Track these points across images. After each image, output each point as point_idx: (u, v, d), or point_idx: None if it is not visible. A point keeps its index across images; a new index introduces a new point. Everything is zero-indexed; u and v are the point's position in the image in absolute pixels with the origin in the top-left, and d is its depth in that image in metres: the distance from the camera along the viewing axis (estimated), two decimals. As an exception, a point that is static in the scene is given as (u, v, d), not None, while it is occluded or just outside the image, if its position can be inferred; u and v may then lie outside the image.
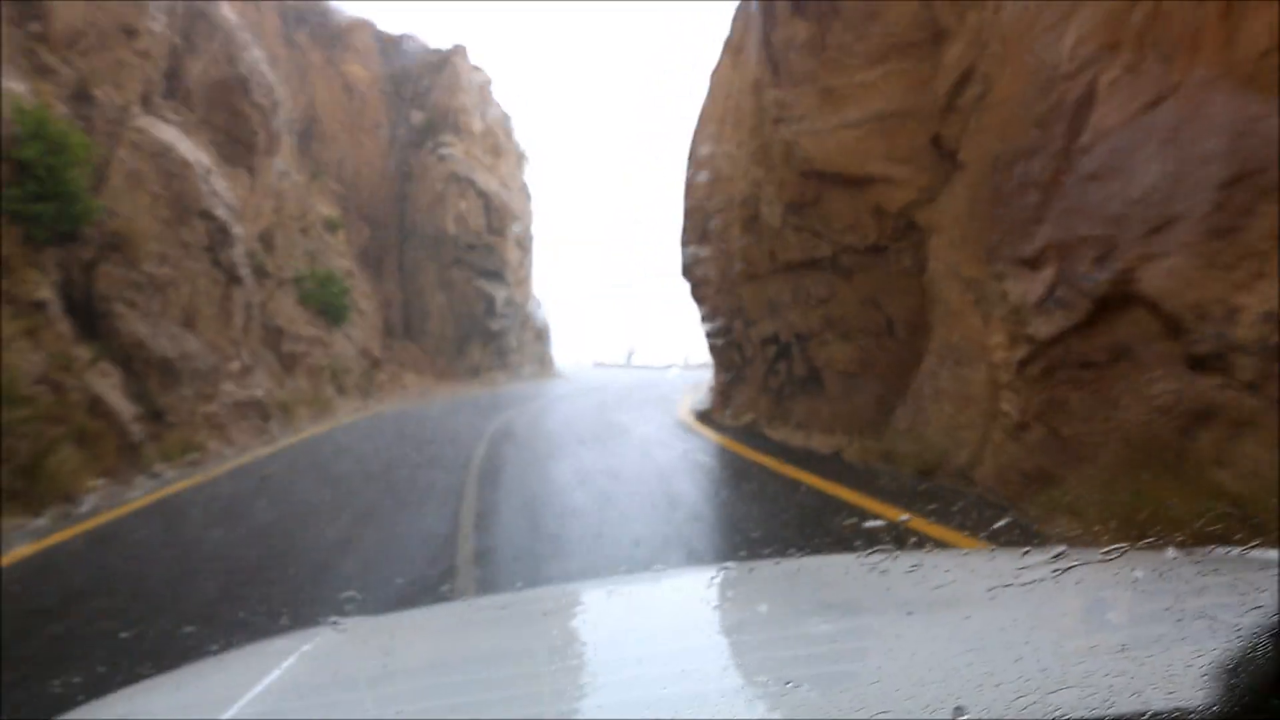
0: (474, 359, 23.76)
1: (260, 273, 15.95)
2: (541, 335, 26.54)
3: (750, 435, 9.99)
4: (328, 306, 16.71)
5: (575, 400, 17.76)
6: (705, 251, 11.84)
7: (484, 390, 21.55)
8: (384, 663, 1.32)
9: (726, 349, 11.66)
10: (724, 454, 8.93)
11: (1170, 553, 1.27)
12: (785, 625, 1.28)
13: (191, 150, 12.45)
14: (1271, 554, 1.22)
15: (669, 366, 28.73)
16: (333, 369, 17.33)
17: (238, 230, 12.92)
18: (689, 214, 12.39)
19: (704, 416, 11.94)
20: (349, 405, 17.40)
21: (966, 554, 2.12)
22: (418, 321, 24.17)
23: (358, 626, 1.58)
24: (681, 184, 12.59)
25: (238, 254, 12.56)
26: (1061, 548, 1.23)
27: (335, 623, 1.50)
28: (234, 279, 12.22)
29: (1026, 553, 1.27)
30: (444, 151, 24.59)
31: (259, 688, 1.20)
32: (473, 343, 23.94)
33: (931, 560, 1.60)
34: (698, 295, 12.38)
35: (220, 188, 12.90)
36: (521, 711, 0.97)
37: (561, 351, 28.41)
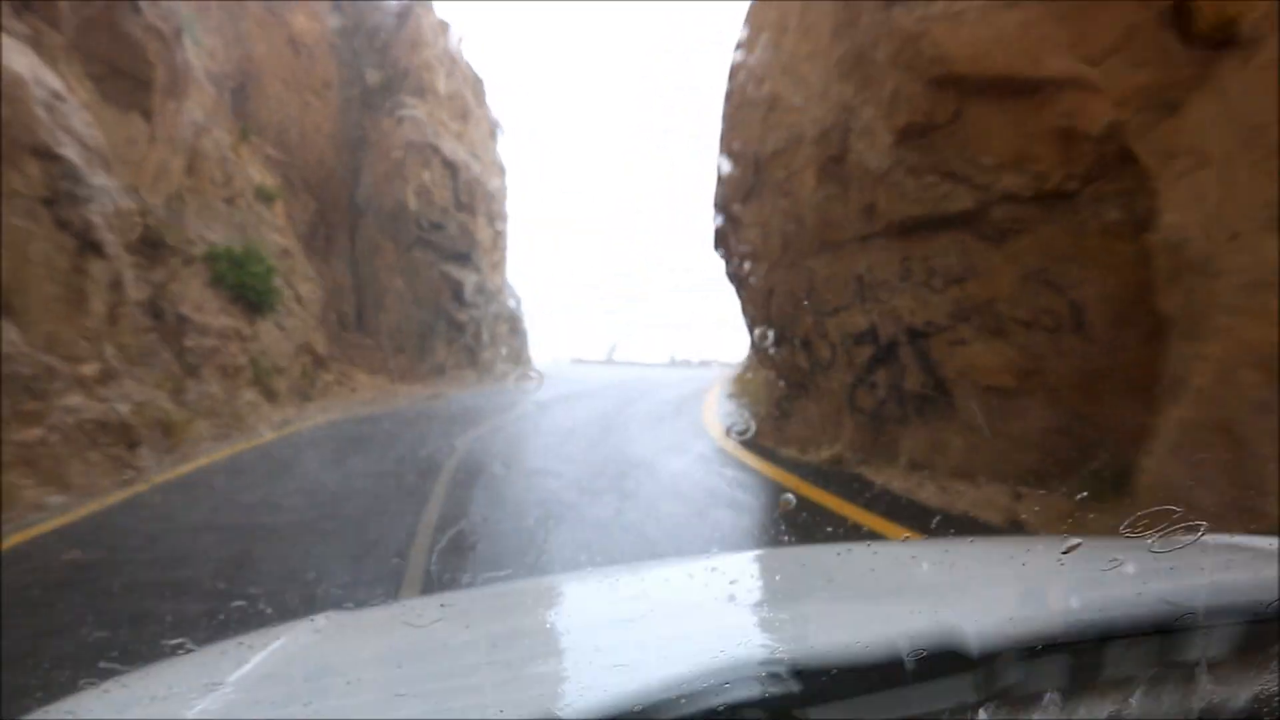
0: (438, 355, 20.26)
1: (157, 245, 12.37)
2: (516, 328, 23.07)
3: (841, 481, 6.66)
4: (249, 291, 13.15)
5: (565, 409, 14.32)
6: (752, 213, 8.50)
7: (450, 393, 18.07)
8: (358, 658, 1.33)
9: (784, 348, 8.33)
10: (825, 517, 5.57)
11: None
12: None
13: (32, 68, 8.89)
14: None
15: (679, 362, 25.40)
16: (257, 369, 13.78)
17: (101, 182, 9.36)
18: (731, 163, 9.02)
19: (752, 443, 8.59)
20: (278, 414, 13.88)
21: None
22: (372, 312, 20.62)
23: (337, 621, 1.55)
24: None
25: (99, 213, 9.00)
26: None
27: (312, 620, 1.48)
28: (90, 247, 8.67)
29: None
30: (404, 113, 21.04)
31: (227, 683, 1.16)
32: (437, 337, 20.43)
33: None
34: (738, 274, 9.03)
35: (79, 124, 9.34)
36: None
37: (539, 346, 24.89)
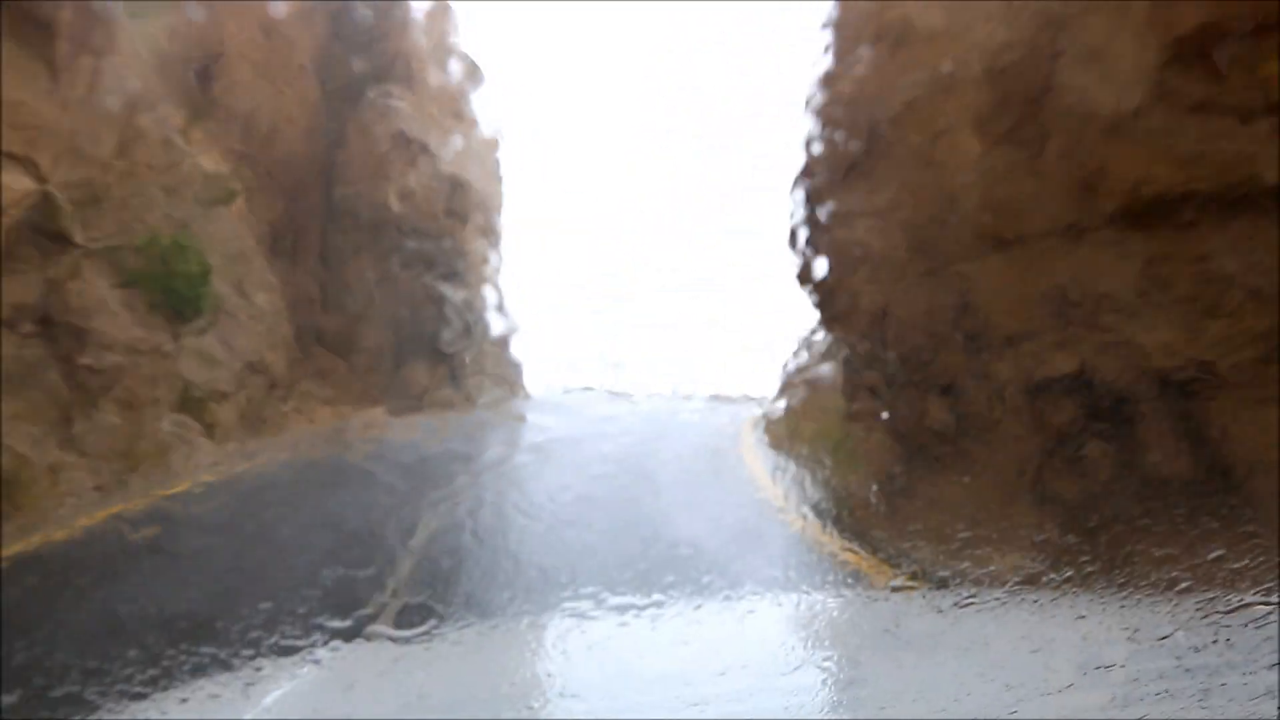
0: (418, 380, 17.53)
1: (56, 235, 9.70)
2: (508, 352, 20.36)
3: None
4: (175, 296, 10.46)
5: (574, 471, 11.56)
6: (859, 199, 5.89)
7: (424, 426, 15.33)
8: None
9: (906, 393, 5.67)
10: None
11: None
12: None
13: None
14: None
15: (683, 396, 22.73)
16: (184, 395, 11.04)
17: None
18: (826, 133, 6.40)
19: (856, 530, 5.85)
20: (212, 453, 11.12)
21: None
22: (344, 328, 17.87)
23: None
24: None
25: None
26: None
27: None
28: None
29: None
30: (390, 103, 18.47)
31: None
32: (417, 359, 17.72)
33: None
34: (828, 286, 6.40)
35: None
36: None
37: (532, 367, 22.16)
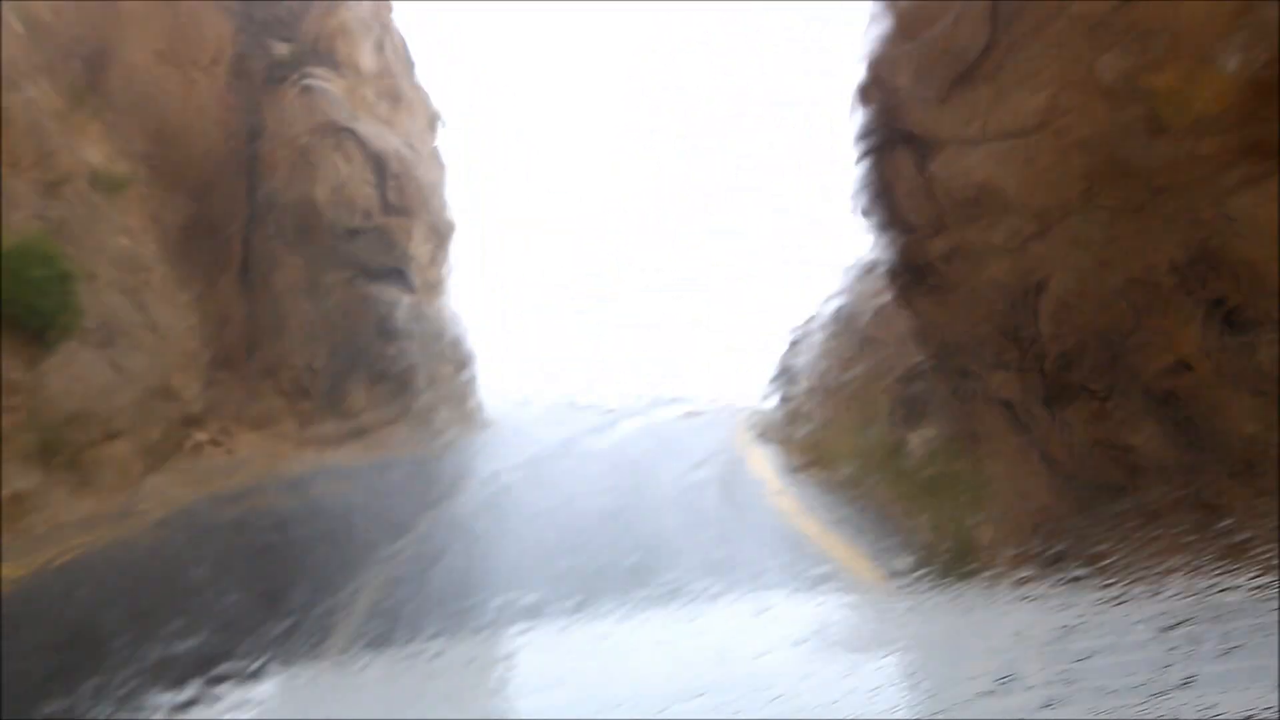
0: (357, 404, 15.25)
1: None
2: (464, 367, 18.13)
3: None
4: (25, 310, 8.15)
5: (556, 506, 9.48)
6: (981, 119, 3.94)
7: (365, 456, 13.10)
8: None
9: (1081, 404, 3.68)
10: None
11: None
12: None
13: None
14: None
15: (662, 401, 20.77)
16: (52, 437, 8.72)
17: None
18: (903, 27, 4.41)
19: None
20: (84, 505, 8.83)
21: None
22: (270, 346, 15.53)
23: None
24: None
25: None
26: None
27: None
28: None
29: None
30: (314, 84, 16.19)
31: None
32: (357, 379, 15.44)
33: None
34: (923, 253, 4.43)
35: None
36: None
37: (493, 384, 19.97)
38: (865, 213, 4.80)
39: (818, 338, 13.18)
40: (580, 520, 8.09)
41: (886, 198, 4.59)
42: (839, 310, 12.09)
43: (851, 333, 10.98)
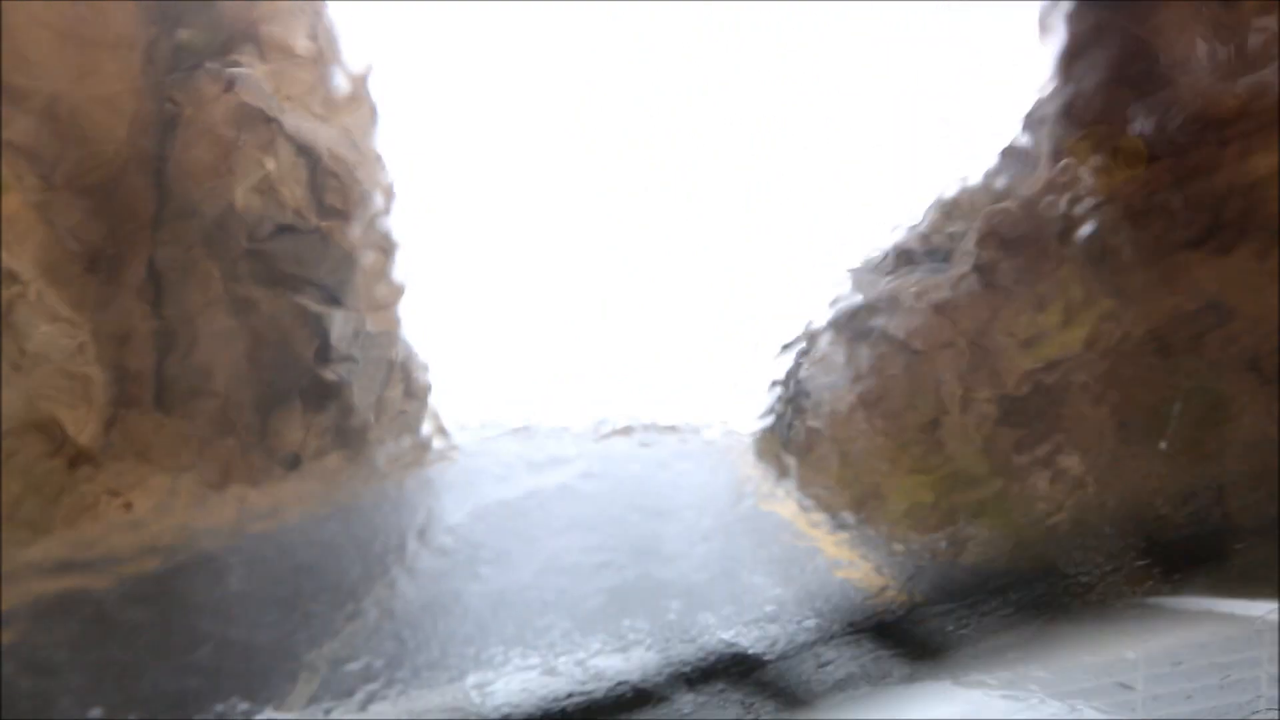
0: (290, 436, 12.95)
1: None
2: (415, 390, 15.88)
3: None
4: None
5: (539, 560, 7.30)
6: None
7: (297, 505, 10.84)
8: None
9: None
10: None
11: None
12: None
13: None
14: None
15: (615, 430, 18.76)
16: None
17: None
18: None
19: None
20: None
21: None
22: (183, 373, 13.13)
23: None
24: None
25: None
26: None
27: None
28: None
29: None
30: (237, 71, 13.96)
31: None
32: (289, 409, 13.14)
33: None
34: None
35: None
36: None
37: (451, 409, 17.73)
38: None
39: (831, 347, 11.30)
40: (568, 601, 6.02)
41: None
42: (855, 314, 10.27)
43: (883, 341, 9.12)
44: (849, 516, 7.74)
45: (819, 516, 8.10)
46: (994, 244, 6.59)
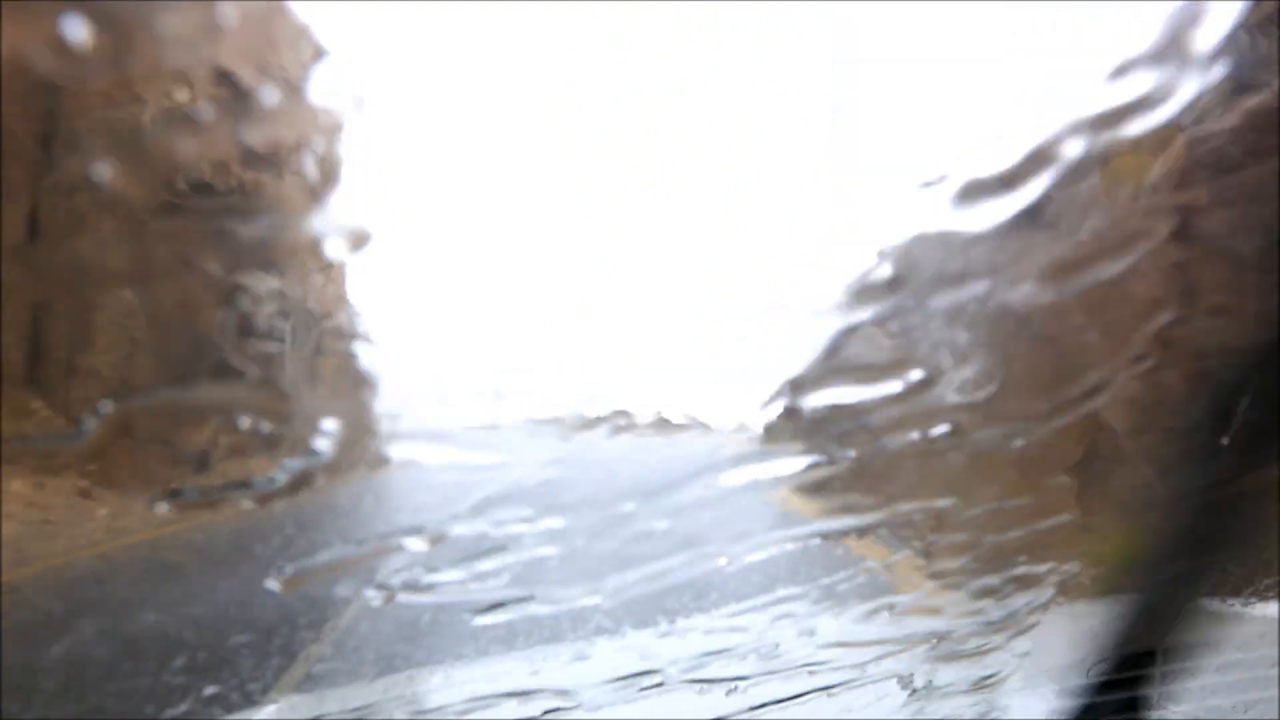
0: (199, 435, 10.49)
1: None
2: (360, 377, 13.41)
3: None
4: None
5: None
6: None
7: (198, 534, 8.43)
8: None
9: None
10: None
11: None
12: None
13: None
14: None
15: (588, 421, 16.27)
16: None
17: None
18: None
19: None
20: None
21: None
22: (66, 350, 10.60)
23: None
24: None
25: None
26: None
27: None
28: None
29: None
30: (140, -18, 11.23)
31: None
32: (197, 398, 10.56)
33: None
34: None
35: None
36: None
37: (399, 394, 15.06)
38: None
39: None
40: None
41: None
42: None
43: (985, 324, 7.01)
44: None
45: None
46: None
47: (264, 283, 11.16)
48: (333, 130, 14.02)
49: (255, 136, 11.18)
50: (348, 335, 13.27)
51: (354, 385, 13.57)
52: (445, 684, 2.50)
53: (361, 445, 12.70)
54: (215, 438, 10.45)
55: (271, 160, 12.19)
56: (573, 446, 13.48)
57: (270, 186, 12.06)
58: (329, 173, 13.37)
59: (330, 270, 12.74)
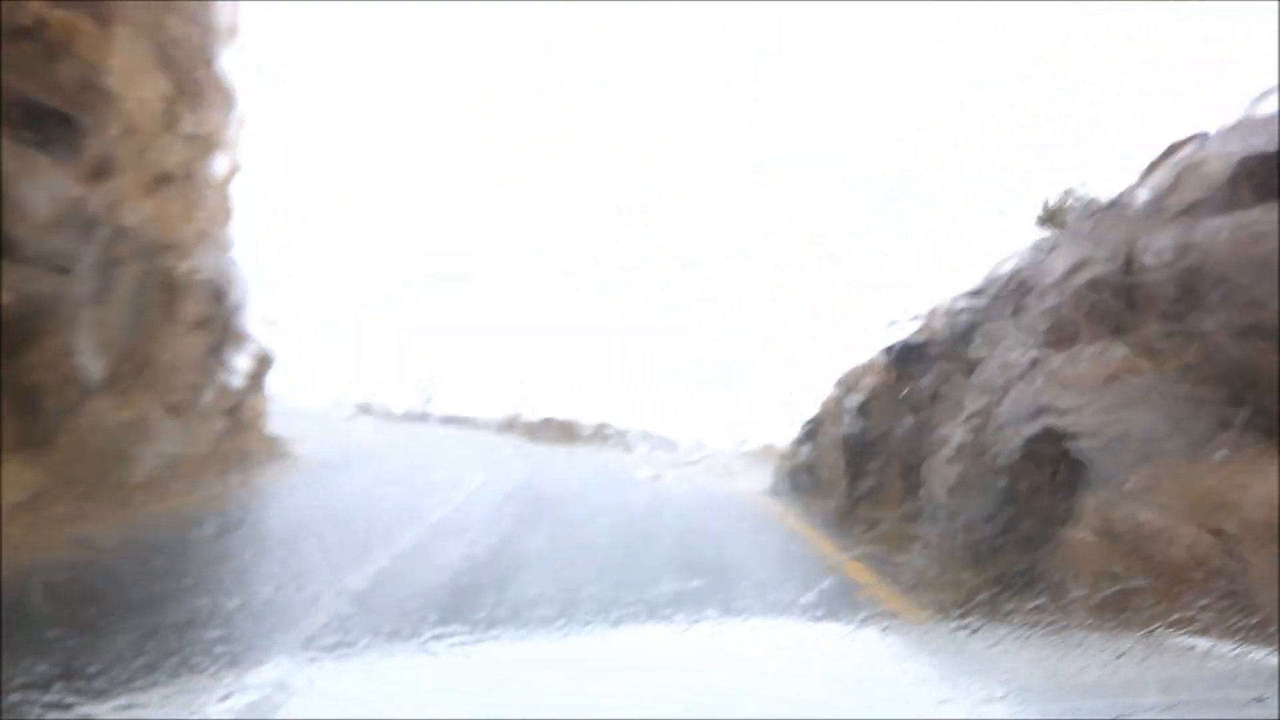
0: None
1: None
2: (263, 367, 8.95)
3: None
4: None
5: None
6: None
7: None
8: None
9: None
10: None
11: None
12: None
13: None
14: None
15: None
16: None
17: None
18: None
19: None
20: None
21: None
22: None
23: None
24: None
25: None
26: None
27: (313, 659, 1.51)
28: None
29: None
30: None
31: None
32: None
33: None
34: None
35: None
36: None
37: (295, 379, 11.57)
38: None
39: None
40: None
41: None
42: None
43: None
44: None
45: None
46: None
47: (47, 168, 6.67)
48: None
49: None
50: (222, 270, 8.79)
51: (241, 366, 9.24)
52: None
53: (251, 435, 8.44)
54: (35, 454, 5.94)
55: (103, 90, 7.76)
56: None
57: (90, 33, 7.63)
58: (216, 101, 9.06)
59: (174, 163, 8.23)
